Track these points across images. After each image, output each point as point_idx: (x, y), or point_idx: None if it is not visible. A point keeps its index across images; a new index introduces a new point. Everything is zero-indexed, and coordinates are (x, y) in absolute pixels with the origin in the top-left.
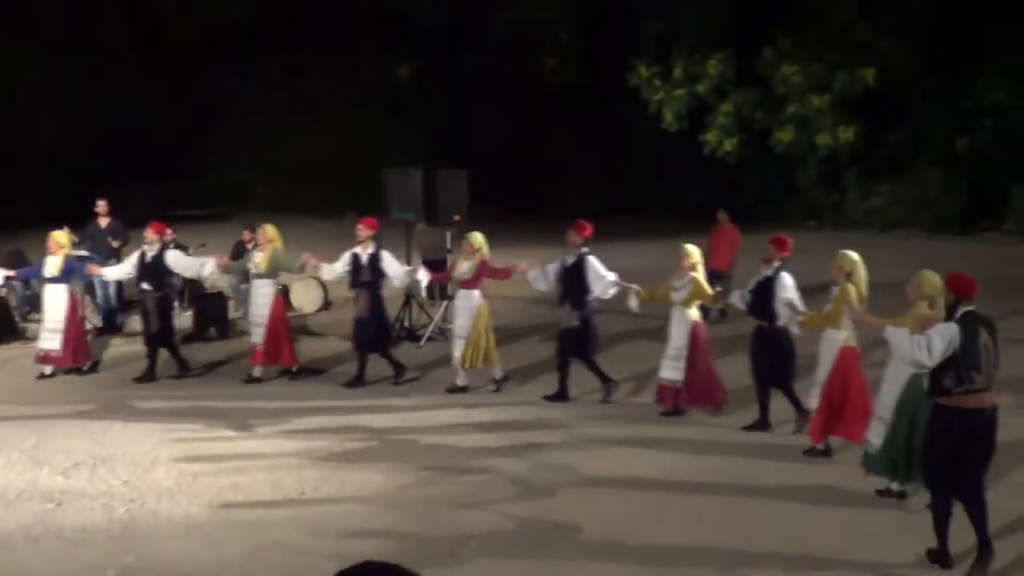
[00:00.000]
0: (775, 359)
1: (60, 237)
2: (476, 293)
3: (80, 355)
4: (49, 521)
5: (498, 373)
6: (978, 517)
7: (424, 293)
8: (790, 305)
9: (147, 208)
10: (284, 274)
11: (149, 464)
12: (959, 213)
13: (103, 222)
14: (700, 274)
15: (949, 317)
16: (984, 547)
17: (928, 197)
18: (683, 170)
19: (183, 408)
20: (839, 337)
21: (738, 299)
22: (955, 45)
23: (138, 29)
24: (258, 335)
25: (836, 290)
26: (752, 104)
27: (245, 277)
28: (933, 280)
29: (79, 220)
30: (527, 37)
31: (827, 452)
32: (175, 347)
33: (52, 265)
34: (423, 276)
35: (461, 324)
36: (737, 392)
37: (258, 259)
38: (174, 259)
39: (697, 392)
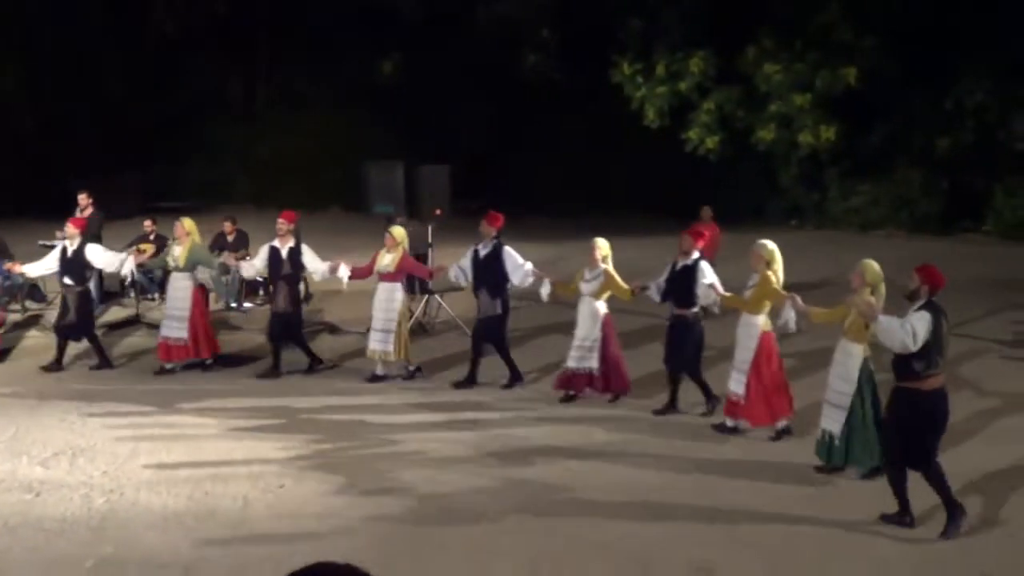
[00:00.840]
0: (692, 348)
1: None
2: (398, 286)
3: None
4: (28, 511)
5: (411, 367)
6: (940, 483)
7: (345, 286)
8: (712, 286)
9: (127, 200)
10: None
11: (128, 455)
12: (939, 213)
13: (86, 214)
14: (611, 267)
15: (921, 307)
16: (953, 507)
17: (908, 197)
18: (664, 167)
19: (162, 399)
20: (758, 322)
21: (654, 291)
22: (937, 46)
23: (120, 22)
24: (173, 328)
25: (756, 277)
26: (734, 102)
27: (225, 269)
28: (874, 269)
29: (67, 212)
30: (509, 33)
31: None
32: (97, 339)
33: None
34: (344, 272)
35: (375, 317)
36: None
37: (177, 253)
38: (94, 254)
39: (609, 380)
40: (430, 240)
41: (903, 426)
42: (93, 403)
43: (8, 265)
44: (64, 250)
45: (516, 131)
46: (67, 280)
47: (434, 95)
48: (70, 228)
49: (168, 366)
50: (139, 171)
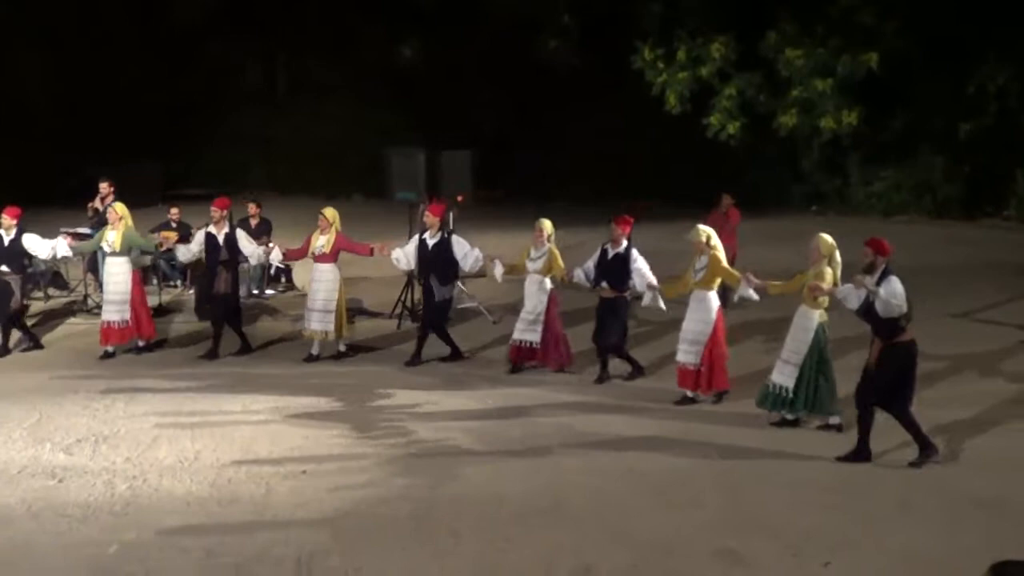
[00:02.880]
0: (621, 327)
1: None
2: (331, 266)
3: None
4: (51, 497)
5: (342, 346)
6: (914, 425)
7: (273, 271)
8: (651, 286)
9: (148, 187)
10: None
11: (151, 441)
12: (961, 199)
13: (107, 202)
14: (554, 246)
15: (882, 274)
16: (927, 444)
17: (930, 182)
18: (686, 153)
19: (185, 386)
20: (714, 297)
21: (581, 276)
22: (959, 30)
23: (138, 6)
24: (113, 312)
25: (704, 259)
26: (755, 87)
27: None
28: (828, 241)
29: (86, 200)
30: (529, 18)
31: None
32: (18, 325)
33: None
34: (276, 256)
35: (314, 298)
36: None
37: (112, 238)
38: (30, 241)
39: (550, 353)
40: (451, 226)
41: (900, 376)
42: (116, 390)
43: None
44: (0, 240)
45: (537, 117)
46: (4, 268)
47: (454, 80)
48: (6, 219)
49: (109, 350)
50: (159, 158)
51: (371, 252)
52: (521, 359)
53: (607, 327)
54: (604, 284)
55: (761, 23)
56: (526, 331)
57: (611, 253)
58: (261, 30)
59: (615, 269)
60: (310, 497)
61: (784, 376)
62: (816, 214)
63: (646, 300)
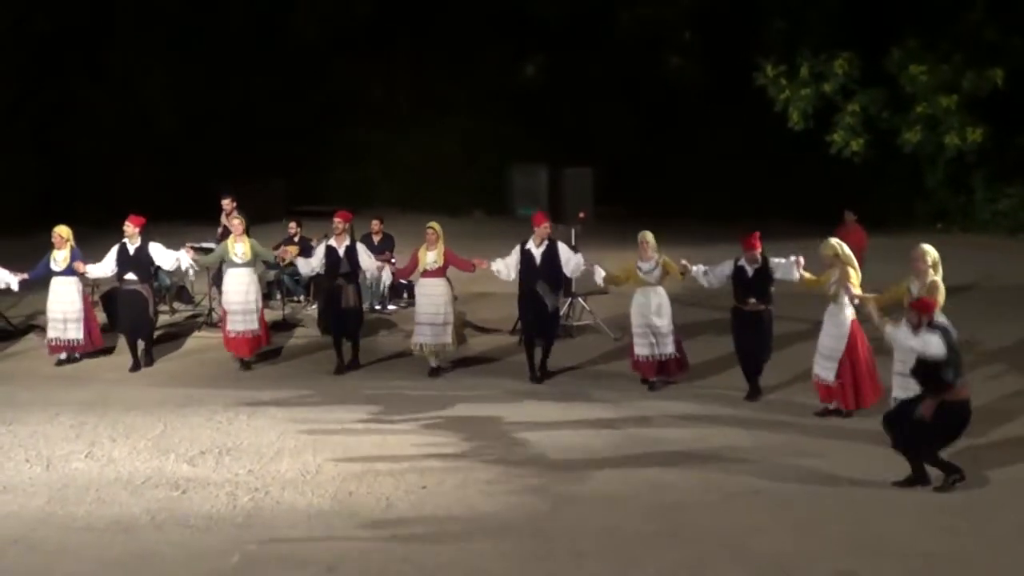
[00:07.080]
0: (766, 337)
1: (63, 231)
2: (442, 280)
3: (98, 340)
4: (174, 508)
5: (444, 361)
6: (939, 461)
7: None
8: (797, 262)
9: (270, 204)
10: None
11: (273, 455)
12: None
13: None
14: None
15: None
16: (952, 469)
17: None
18: (809, 170)
19: (307, 399)
20: (847, 312)
21: (703, 279)
22: None
23: (262, 26)
24: (238, 322)
25: (837, 273)
26: (879, 104)
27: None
28: (932, 251)
29: (209, 216)
30: (652, 36)
31: (839, 411)
32: (151, 339)
33: (59, 259)
34: (386, 276)
35: (426, 312)
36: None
37: (240, 250)
38: (155, 251)
39: (671, 364)
40: (574, 243)
41: (950, 434)
42: (239, 403)
43: (76, 264)
44: (124, 248)
45: (659, 133)
46: (130, 277)
47: (577, 98)
48: (130, 227)
49: (245, 359)
50: (282, 175)
51: (473, 268)
52: (659, 373)
53: (761, 343)
54: (753, 300)
55: (884, 39)
56: (661, 344)
57: (750, 271)
58: (384, 48)
59: (760, 284)
60: (430, 513)
61: (903, 390)
62: (940, 232)
63: (795, 275)
